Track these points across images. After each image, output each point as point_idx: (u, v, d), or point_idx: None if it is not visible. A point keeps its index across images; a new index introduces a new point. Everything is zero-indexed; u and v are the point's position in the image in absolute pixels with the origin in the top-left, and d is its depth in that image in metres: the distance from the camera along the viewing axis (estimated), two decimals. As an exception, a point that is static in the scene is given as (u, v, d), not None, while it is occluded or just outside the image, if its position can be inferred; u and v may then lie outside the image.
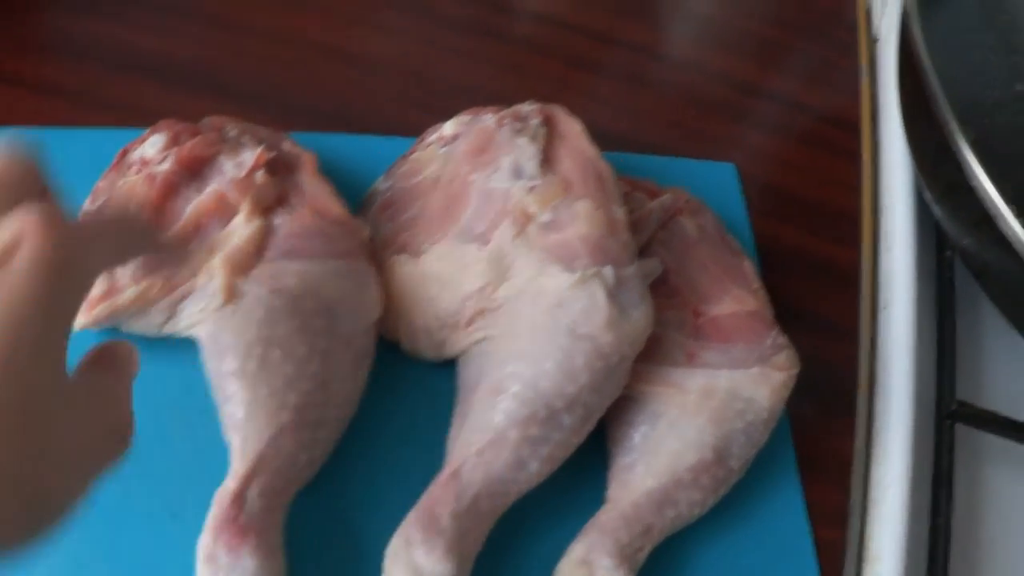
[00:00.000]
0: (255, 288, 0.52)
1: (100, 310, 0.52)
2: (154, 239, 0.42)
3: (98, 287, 0.53)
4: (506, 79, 0.78)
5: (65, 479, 0.32)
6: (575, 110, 0.62)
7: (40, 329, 0.30)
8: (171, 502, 0.51)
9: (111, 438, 0.35)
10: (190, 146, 0.56)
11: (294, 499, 0.50)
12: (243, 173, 0.56)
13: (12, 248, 0.30)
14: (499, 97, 0.65)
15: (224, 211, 0.54)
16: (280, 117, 0.66)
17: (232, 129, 0.59)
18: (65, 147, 0.62)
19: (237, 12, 0.76)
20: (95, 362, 0.37)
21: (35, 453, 0.30)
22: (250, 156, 0.57)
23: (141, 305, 0.53)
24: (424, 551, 0.47)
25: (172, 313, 0.53)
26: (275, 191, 0.56)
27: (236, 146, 0.58)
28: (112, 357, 0.38)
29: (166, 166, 0.55)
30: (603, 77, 0.82)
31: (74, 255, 0.31)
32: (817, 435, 0.62)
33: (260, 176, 0.55)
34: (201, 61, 0.72)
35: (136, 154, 0.57)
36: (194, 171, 0.56)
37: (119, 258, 0.38)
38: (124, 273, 0.53)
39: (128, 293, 0.53)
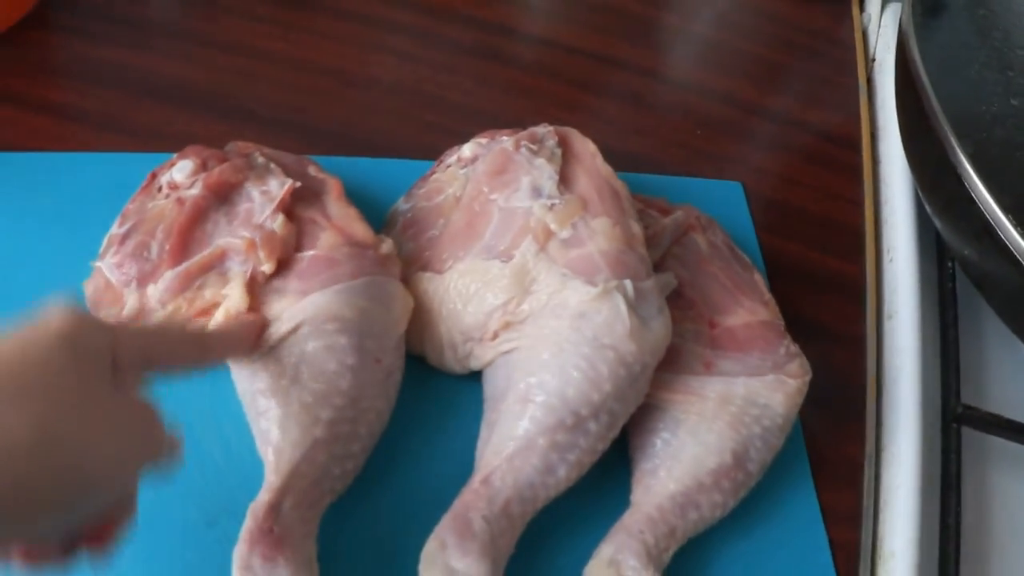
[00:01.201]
0: (282, 313, 0.54)
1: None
2: (201, 350, 0.50)
3: (129, 308, 0.55)
4: (516, 102, 0.80)
5: (104, 462, 0.39)
6: (583, 131, 0.64)
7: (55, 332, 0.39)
8: (207, 510, 0.52)
9: (146, 442, 0.42)
10: (218, 172, 0.57)
11: (327, 509, 0.51)
12: (270, 202, 0.57)
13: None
14: (511, 119, 0.68)
15: (249, 252, 0.55)
16: (298, 141, 0.68)
17: (259, 156, 0.61)
18: (90, 171, 0.64)
19: (254, 40, 0.78)
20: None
21: (79, 427, 0.38)
22: (276, 184, 0.58)
23: None
24: (458, 554, 0.48)
25: None
26: (293, 240, 0.56)
27: (264, 173, 0.59)
28: None
29: (195, 191, 0.57)
30: (609, 98, 0.84)
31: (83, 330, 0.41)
32: (829, 441, 0.64)
33: (280, 224, 0.56)
34: (221, 87, 0.74)
35: (165, 178, 0.59)
36: (222, 196, 0.57)
37: (158, 357, 0.46)
38: (153, 296, 0.54)
39: (156, 315, 0.54)
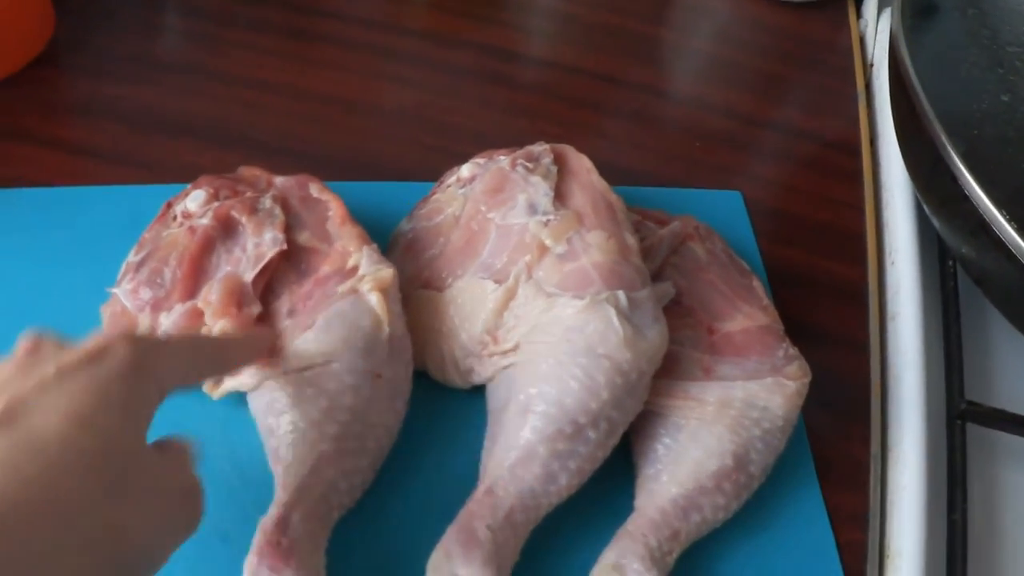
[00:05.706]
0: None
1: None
2: (223, 362, 0.51)
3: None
4: (517, 122, 0.82)
5: (144, 537, 0.39)
6: (583, 148, 0.65)
7: (120, 405, 0.39)
8: (221, 526, 0.53)
9: (184, 502, 0.43)
10: (228, 205, 0.59)
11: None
12: (258, 258, 0.58)
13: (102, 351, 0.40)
14: (511, 140, 0.69)
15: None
16: (304, 169, 0.69)
17: (268, 199, 0.61)
18: (103, 204, 0.66)
19: (258, 72, 0.80)
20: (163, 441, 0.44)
21: (116, 497, 0.38)
22: (270, 240, 0.59)
23: None
24: (463, 563, 0.49)
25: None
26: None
27: (264, 220, 0.60)
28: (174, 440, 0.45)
29: (206, 220, 0.59)
30: (609, 116, 0.85)
31: (146, 361, 0.41)
32: (834, 442, 0.64)
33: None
34: (227, 119, 0.75)
35: (179, 207, 0.61)
36: (229, 228, 0.59)
37: (190, 375, 0.47)
38: (164, 326, 0.56)
39: None
